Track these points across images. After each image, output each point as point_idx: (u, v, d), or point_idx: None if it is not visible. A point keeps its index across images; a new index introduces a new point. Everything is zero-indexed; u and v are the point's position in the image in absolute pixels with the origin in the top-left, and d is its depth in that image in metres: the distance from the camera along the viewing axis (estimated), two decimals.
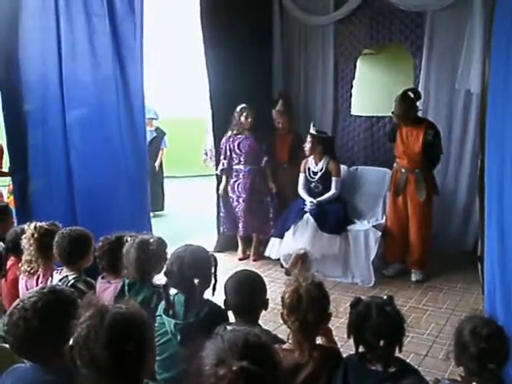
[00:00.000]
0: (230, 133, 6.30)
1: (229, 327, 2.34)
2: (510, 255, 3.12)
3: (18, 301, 2.04)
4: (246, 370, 1.36)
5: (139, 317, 1.76)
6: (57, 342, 1.91)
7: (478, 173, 5.25)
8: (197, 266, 2.72)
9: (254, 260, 6.38)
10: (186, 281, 2.72)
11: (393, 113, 5.52)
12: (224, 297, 2.67)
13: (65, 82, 4.64)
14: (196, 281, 2.68)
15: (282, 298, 2.39)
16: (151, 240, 3.11)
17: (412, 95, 5.46)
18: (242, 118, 6.17)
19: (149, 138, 8.23)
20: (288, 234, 5.65)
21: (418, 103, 5.52)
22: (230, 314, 2.68)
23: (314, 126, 6.01)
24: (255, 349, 1.44)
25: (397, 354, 2.32)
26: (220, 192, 6.46)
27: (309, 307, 2.30)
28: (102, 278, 3.39)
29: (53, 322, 1.96)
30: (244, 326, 1.68)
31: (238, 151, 6.25)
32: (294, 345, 2.36)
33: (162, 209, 9.08)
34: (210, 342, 1.46)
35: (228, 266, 5.83)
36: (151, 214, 8.38)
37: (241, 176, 6.29)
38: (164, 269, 2.88)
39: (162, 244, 3.17)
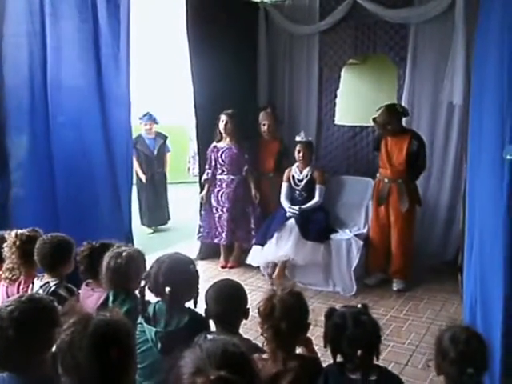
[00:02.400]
0: (214, 142, 6.33)
1: (209, 336, 2.35)
2: (488, 268, 3.16)
3: None
4: (224, 379, 1.36)
5: (123, 325, 1.77)
6: (35, 352, 1.90)
7: (463, 184, 5.32)
8: (170, 275, 2.69)
9: (231, 267, 6.40)
10: (158, 286, 2.71)
11: (374, 119, 5.56)
12: (205, 305, 2.67)
13: (49, 88, 4.62)
14: (167, 289, 2.65)
15: (258, 307, 2.41)
16: (123, 253, 3.04)
17: (399, 108, 5.52)
18: (219, 124, 6.20)
19: (156, 147, 8.19)
20: (271, 242, 5.67)
21: (403, 118, 5.57)
22: (211, 323, 2.69)
23: (303, 134, 6.06)
24: (233, 358, 1.44)
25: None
26: (201, 200, 6.49)
27: (282, 316, 2.32)
28: (87, 285, 3.37)
29: (30, 331, 1.94)
30: (223, 335, 1.69)
31: (221, 161, 6.28)
32: (268, 353, 2.38)
33: (168, 219, 8.59)
34: (189, 351, 1.46)
35: (210, 273, 5.85)
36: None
37: (224, 186, 6.31)
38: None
39: (135, 256, 3.11)
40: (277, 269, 5.70)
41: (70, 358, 1.64)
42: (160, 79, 11.23)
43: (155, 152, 8.21)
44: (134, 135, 8.04)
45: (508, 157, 2.73)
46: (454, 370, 2.20)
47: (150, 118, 8.17)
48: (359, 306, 2.45)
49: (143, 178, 8.10)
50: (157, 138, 8.30)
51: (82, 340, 1.64)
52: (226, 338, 1.58)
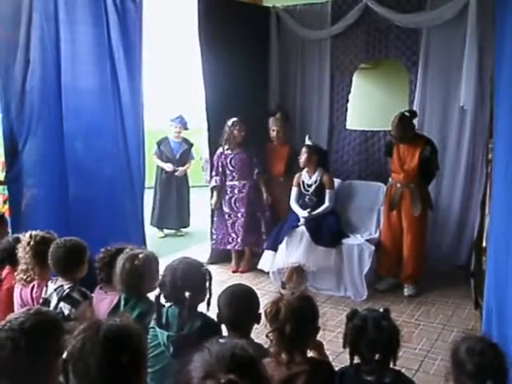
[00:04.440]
0: (221, 149, 6.33)
1: (221, 340, 2.36)
2: (503, 275, 3.14)
3: (3, 321, 1.99)
4: (234, 383, 1.37)
5: (134, 329, 1.78)
6: (46, 361, 1.91)
7: (481, 188, 5.32)
8: (188, 279, 2.73)
9: (242, 272, 6.41)
10: (176, 293, 2.73)
11: (391, 134, 5.56)
12: (217, 310, 2.68)
13: (63, 91, 4.67)
14: (187, 294, 2.67)
15: (265, 310, 2.42)
16: (140, 255, 3.07)
17: (408, 114, 5.50)
18: (235, 132, 6.18)
19: (180, 151, 8.22)
20: (281, 247, 5.66)
21: (414, 121, 5.55)
22: (223, 327, 2.70)
23: (309, 138, 6.07)
24: (242, 362, 1.45)
25: None
26: (212, 207, 6.50)
27: (287, 319, 2.32)
28: (100, 288, 3.39)
29: (41, 342, 1.93)
30: (235, 340, 1.70)
31: (231, 167, 6.29)
32: (272, 355, 2.37)
33: (188, 225, 8.49)
34: (198, 354, 1.47)
35: (221, 278, 5.84)
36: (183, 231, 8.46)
37: (236, 191, 6.32)
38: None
39: (151, 259, 3.13)
40: (286, 272, 5.66)
41: (81, 364, 1.65)
42: (172, 83, 11.26)
43: (177, 156, 8.20)
44: (161, 137, 8.26)
45: None
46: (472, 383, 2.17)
47: (181, 122, 8.18)
48: (381, 309, 2.45)
49: (168, 168, 8.08)
50: (182, 143, 8.30)
51: (94, 346, 1.65)
52: (234, 341, 1.59)
